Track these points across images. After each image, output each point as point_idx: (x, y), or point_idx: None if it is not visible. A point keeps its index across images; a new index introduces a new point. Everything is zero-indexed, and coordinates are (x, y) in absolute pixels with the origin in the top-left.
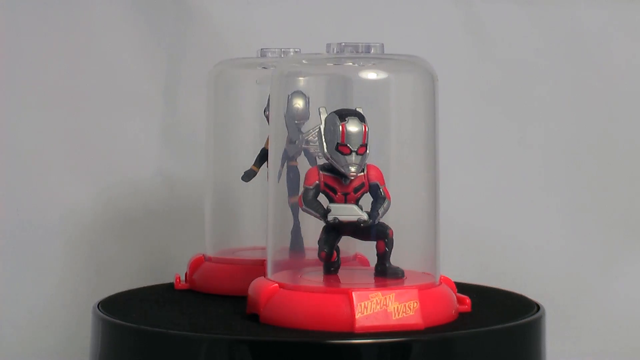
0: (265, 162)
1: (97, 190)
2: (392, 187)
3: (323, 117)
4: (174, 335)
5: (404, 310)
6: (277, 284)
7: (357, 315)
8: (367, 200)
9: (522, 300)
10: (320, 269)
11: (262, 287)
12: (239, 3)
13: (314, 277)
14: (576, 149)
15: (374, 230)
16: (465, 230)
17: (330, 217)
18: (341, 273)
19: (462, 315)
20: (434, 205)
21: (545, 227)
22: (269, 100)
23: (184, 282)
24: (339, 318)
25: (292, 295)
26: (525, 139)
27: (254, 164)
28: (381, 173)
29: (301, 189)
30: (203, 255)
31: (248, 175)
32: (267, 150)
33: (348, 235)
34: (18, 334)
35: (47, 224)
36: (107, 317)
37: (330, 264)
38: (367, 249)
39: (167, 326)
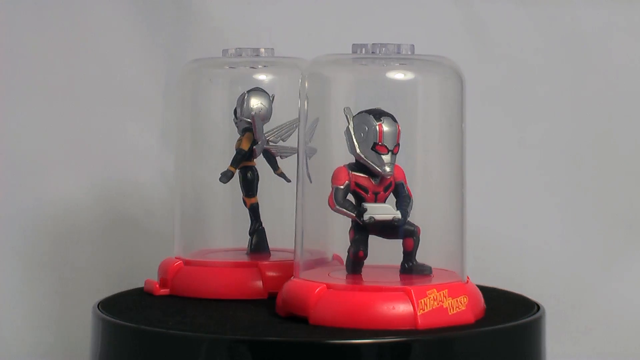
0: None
1: (98, 190)
2: (420, 186)
3: (350, 116)
4: (174, 335)
5: (457, 306)
6: (324, 285)
7: (419, 312)
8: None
9: (522, 300)
10: (338, 268)
11: (309, 289)
12: (240, 3)
13: (344, 276)
14: (576, 148)
15: (403, 229)
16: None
17: (366, 217)
18: (364, 272)
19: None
20: (461, 205)
21: (545, 227)
22: (238, 101)
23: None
24: (401, 316)
25: (347, 296)
26: (525, 139)
27: (231, 165)
28: (403, 172)
29: (328, 189)
30: (180, 258)
31: (226, 176)
32: (244, 150)
33: (375, 234)
34: (18, 333)
35: (47, 223)
36: (107, 317)
37: (359, 263)
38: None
39: (167, 326)
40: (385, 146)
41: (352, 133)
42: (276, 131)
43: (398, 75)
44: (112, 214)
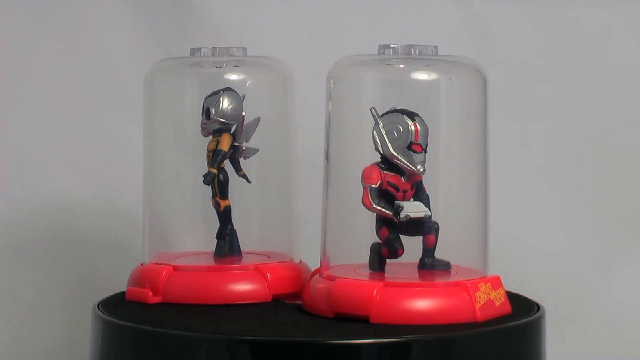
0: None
1: (98, 190)
2: (445, 185)
3: (378, 116)
4: (174, 335)
5: (498, 298)
6: (382, 283)
7: (477, 306)
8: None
9: (522, 300)
10: (359, 266)
11: (368, 288)
12: (240, 3)
13: (379, 273)
14: (576, 148)
15: (427, 225)
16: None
17: (403, 215)
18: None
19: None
20: (484, 204)
21: (545, 227)
22: (210, 101)
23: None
24: (462, 310)
25: (407, 293)
26: (525, 138)
27: (212, 166)
28: None
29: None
30: (172, 265)
31: (210, 178)
32: (224, 150)
33: (401, 231)
34: (17, 333)
35: (47, 223)
36: (107, 317)
37: (385, 260)
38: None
39: (167, 326)
40: (420, 145)
41: (384, 132)
42: (247, 131)
43: (423, 75)
44: (112, 214)
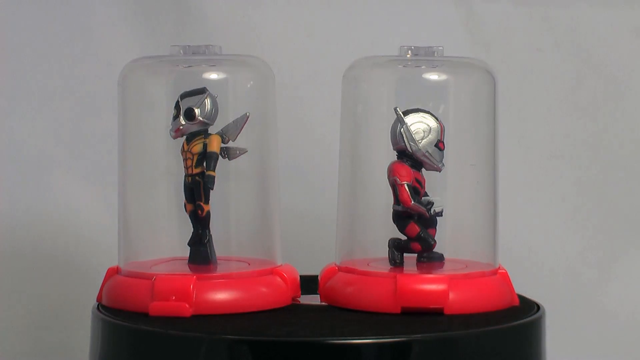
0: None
1: (98, 190)
2: (457, 181)
3: (402, 116)
4: (174, 335)
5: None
6: (447, 276)
7: (516, 292)
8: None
9: (522, 300)
10: (371, 260)
11: (438, 281)
12: (239, 3)
13: (406, 267)
14: (576, 148)
15: (433, 219)
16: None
17: (438, 209)
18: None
19: (461, 314)
20: (494, 199)
21: (545, 227)
22: (192, 101)
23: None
24: (505, 297)
25: (478, 283)
26: (525, 139)
27: (211, 169)
28: None
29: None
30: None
31: (213, 182)
32: (217, 152)
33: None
34: (18, 334)
35: (48, 223)
36: (107, 317)
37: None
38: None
39: (168, 326)
40: (443, 143)
41: (413, 132)
42: (232, 131)
43: (435, 76)
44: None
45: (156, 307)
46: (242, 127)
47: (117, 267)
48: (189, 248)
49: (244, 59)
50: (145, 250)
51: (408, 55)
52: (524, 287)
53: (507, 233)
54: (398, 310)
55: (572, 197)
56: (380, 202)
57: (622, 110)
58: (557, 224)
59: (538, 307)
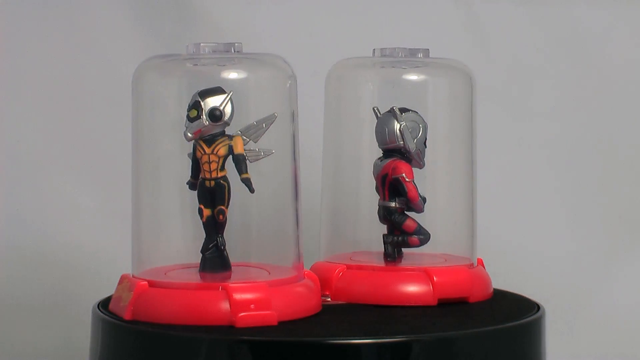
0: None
1: (98, 190)
2: (436, 179)
3: (400, 116)
4: (174, 336)
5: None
6: (466, 266)
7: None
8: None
9: (522, 300)
10: (354, 255)
11: (461, 273)
12: (240, 3)
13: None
14: (576, 149)
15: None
16: None
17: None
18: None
19: (461, 315)
20: (472, 196)
21: (545, 227)
22: (221, 102)
23: None
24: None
25: (474, 273)
26: (525, 139)
27: (246, 172)
28: None
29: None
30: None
31: (251, 184)
32: (242, 154)
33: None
34: (18, 334)
35: (48, 223)
36: (107, 317)
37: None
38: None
39: (167, 326)
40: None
41: (410, 131)
42: (253, 131)
43: (415, 77)
44: (112, 214)
45: (243, 319)
46: (268, 128)
47: (136, 277)
48: (202, 255)
49: (266, 58)
50: (157, 256)
51: (381, 56)
52: (524, 287)
53: (507, 233)
54: (435, 303)
55: (573, 197)
56: (364, 199)
57: (622, 110)
58: (558, 225)
59: (538, 307)
